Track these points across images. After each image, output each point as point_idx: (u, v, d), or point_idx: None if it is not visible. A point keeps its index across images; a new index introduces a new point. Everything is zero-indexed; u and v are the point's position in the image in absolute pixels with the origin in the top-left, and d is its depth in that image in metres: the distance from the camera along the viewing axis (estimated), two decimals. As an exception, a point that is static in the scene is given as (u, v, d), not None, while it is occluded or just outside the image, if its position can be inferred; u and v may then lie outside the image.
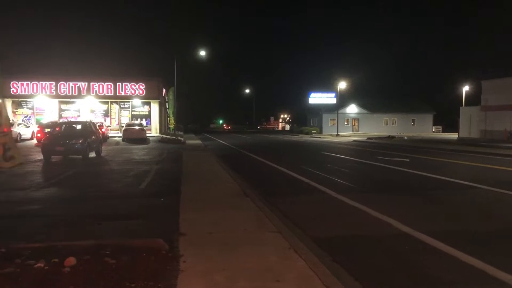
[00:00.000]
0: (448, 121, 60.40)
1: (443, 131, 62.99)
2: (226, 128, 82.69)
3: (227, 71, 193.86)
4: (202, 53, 36.41)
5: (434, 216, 7.34)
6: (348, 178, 11.95)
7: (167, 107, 38.11)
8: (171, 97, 34.42)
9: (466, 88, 53.72)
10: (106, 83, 37.71)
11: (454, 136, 41.65)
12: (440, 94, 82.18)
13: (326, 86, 61.36)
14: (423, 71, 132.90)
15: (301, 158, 19.74)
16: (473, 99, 45.27)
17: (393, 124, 63.28)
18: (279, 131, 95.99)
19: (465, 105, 46.56)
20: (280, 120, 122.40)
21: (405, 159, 17.78)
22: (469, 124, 37.83)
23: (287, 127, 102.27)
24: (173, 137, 32.36)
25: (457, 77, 65.07)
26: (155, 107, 40.17)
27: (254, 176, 12.61)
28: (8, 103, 37.01)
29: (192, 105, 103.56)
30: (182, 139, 33.05)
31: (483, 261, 4.86)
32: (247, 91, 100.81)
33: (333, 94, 59.77)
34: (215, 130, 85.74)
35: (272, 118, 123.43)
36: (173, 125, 34.42)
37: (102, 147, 19.71)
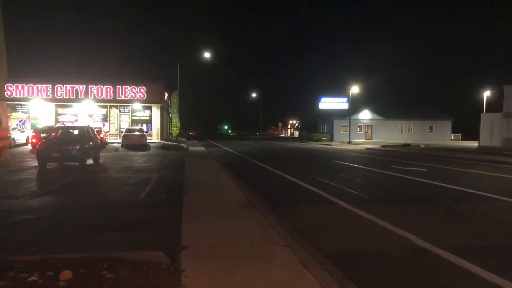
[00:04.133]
0: (468, 128, 59.97)
1: (463, 139, 62.54)
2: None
3: (232, 75, 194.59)
4: (207, 55, 36.62)
5: (454, 230, 7.26)
6: (361, 189, 11.89)
7: (169, 112, 38.31)
8: (174, 101, 34.50)
9: (487, 94, 53.42)
10: (105, 86, 38.00)
11: (474, 144, 41.28)
12: (460, 99, 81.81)
13: (338, 90, 61.33)
14: (441, 75, 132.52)
15: (310, 166, 19.68)
16: (495, 105, 44.97)
17: (409, 131, 63.02)
18: (287, 137, 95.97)
19: (486, 112, 46.23)
20: (289, 126, 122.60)
21: (422, 169, 17.67)
22: (491, 132, 37.49)
23: (296, 133, 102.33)
24: (175, 143, 32.45)
25: (478, 82, 64.86)
26: (156, 112, 40.36)
27: (260, 186, 12.58)
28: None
29: (195, 111, 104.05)
30: (184, 145, 33.12)
31: (507, 279, 4.78)
32: (254, 95, 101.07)
33: (345, 99, 59.67)
34: (219, 137, 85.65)
35: (280, 124, 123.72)
36: (177, 131, 34.47)
37: (100, 153, 19.79)
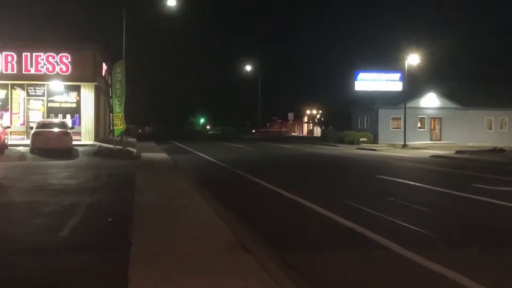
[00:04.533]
0: None
1: None
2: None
3: (216, 41, 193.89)
4: (171, 2, 36.57)
5: None
6: (424, 222, 11.90)
7: (110, 94, 38.05)
8: (118, 77, 34.07)
9: None
10: (3, 53, 37.88)
11: None
12: None
13: (385, 61, 61.32)
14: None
15: (341, 186, 19.73)
16: None
17: (501, 127, 62.86)
18: (304, 137, 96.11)
19: None
20: (305, 119, 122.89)
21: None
22: None
23: (317, 130, 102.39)
24: (119, 147, 32.36)
25: None
26: (88, 95, 40.20)
27: (258, 217, 12.64)
28: None
29: (153, 95, 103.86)
30: (134, 150, 33.08)
31: None
32: (249, 68, 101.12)
33: (397, 75, 59.49)
34: (192, 136, 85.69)
35: (291, 115, 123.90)
36: (122, 127, 34.21)
37: (-3, 163, 19.77)
